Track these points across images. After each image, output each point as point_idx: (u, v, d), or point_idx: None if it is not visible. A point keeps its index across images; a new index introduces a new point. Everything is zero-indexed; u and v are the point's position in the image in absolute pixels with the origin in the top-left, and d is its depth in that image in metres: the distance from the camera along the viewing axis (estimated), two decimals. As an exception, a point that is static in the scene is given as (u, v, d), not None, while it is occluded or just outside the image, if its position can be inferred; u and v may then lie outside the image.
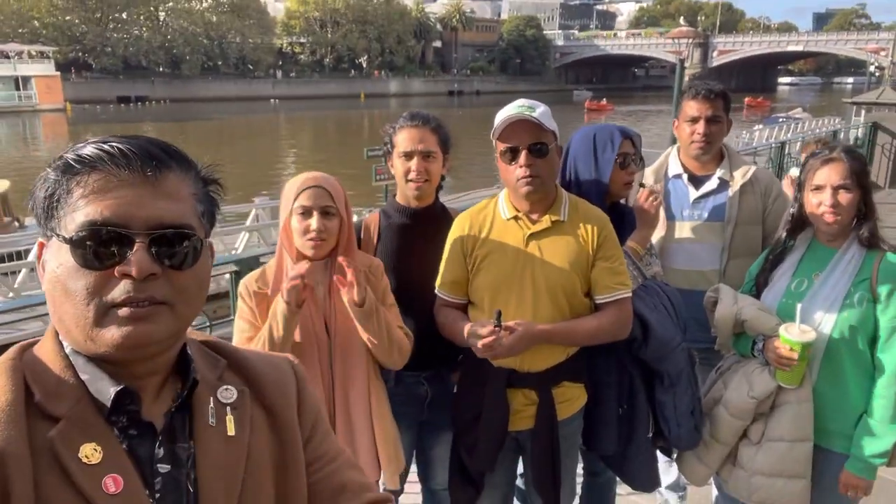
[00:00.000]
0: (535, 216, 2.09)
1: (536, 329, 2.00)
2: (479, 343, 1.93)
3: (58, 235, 0.83)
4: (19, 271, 8.97)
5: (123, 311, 0.81)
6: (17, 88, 54.82)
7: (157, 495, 0.84)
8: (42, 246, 0.88)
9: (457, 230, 2.19)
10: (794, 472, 2.14)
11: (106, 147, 0.83)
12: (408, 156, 2.29)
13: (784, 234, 2.26)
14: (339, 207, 1.97)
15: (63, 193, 0.83)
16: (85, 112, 54.39)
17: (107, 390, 0.84)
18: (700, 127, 2.66)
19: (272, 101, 70.37)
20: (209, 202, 0.93)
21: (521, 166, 1.98)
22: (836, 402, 2.11)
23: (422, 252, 2.32)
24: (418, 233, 2.36)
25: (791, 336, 2.04)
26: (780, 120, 29.09)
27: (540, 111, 1.98)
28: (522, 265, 2.07)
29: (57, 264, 0.83)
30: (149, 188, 0.83)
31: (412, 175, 2.29)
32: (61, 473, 0.78)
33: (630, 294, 2.11)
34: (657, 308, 2.25)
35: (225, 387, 0.95)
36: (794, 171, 2.10)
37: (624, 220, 2.35)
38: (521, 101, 2.04)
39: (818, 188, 2.08)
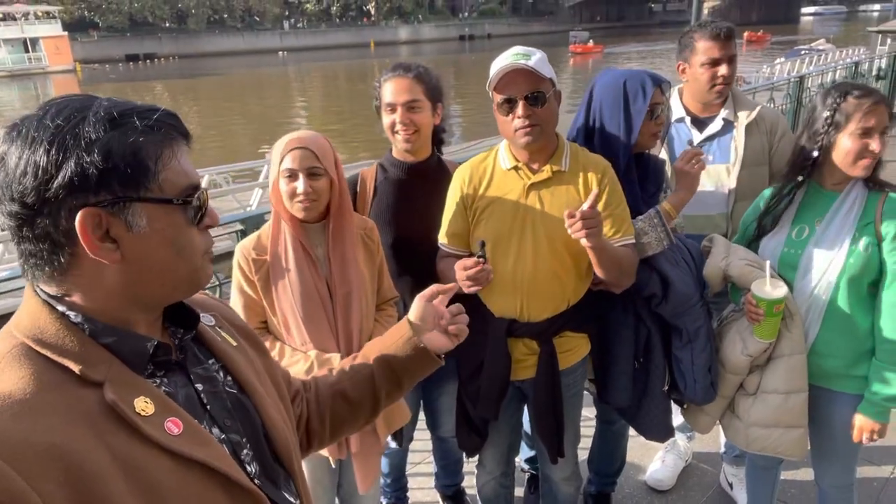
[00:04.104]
0: (535, 166, 2.05)
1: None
2: (464, 275, 1.86)
3: (151, 200, 0.85)
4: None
5: (209, 255, 0.96)
6: (27, 50, 54.53)
7: (208, 407, 0.97)
8: (91, 213, 0.81)
9: (457, 182, 2.15)
10: (790, 422, 2.14)
11: (170, 118, 0.90)
12: (391, 108, 2.24)
13: (793, 174, 2.12)
14: (326, 167, 1.91)
15: (150, 159, 0.84)
16: (95, 72, 54.15)
17: (141, 346, 0.89)
18: (723, 69, 2.56)
19: (280, 53, 69.40)
20: None
21: (518, 117, 1.93)
22: (840, 346, 2.08)
23: (418, 206, 2.29)
24: (415, 187, 2.32)
25: (759, 293, 2.01)
26: (803, 52, 28.10)
27: (536, 59, 1.91)
28: (523, 216, 2.04)
29: (165, 225, 0.87)
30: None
31: (398, 127, 2.24)
32: (127, 430, 0.82)
33: (633, 241, 2.08)
34: (678, 263, 2.20)
35: (202, 314, 1.06)
36: None
37: (649, 172, 2.28)
38: (515, 49, 1.96)
39: (866, 132, 1.95)
